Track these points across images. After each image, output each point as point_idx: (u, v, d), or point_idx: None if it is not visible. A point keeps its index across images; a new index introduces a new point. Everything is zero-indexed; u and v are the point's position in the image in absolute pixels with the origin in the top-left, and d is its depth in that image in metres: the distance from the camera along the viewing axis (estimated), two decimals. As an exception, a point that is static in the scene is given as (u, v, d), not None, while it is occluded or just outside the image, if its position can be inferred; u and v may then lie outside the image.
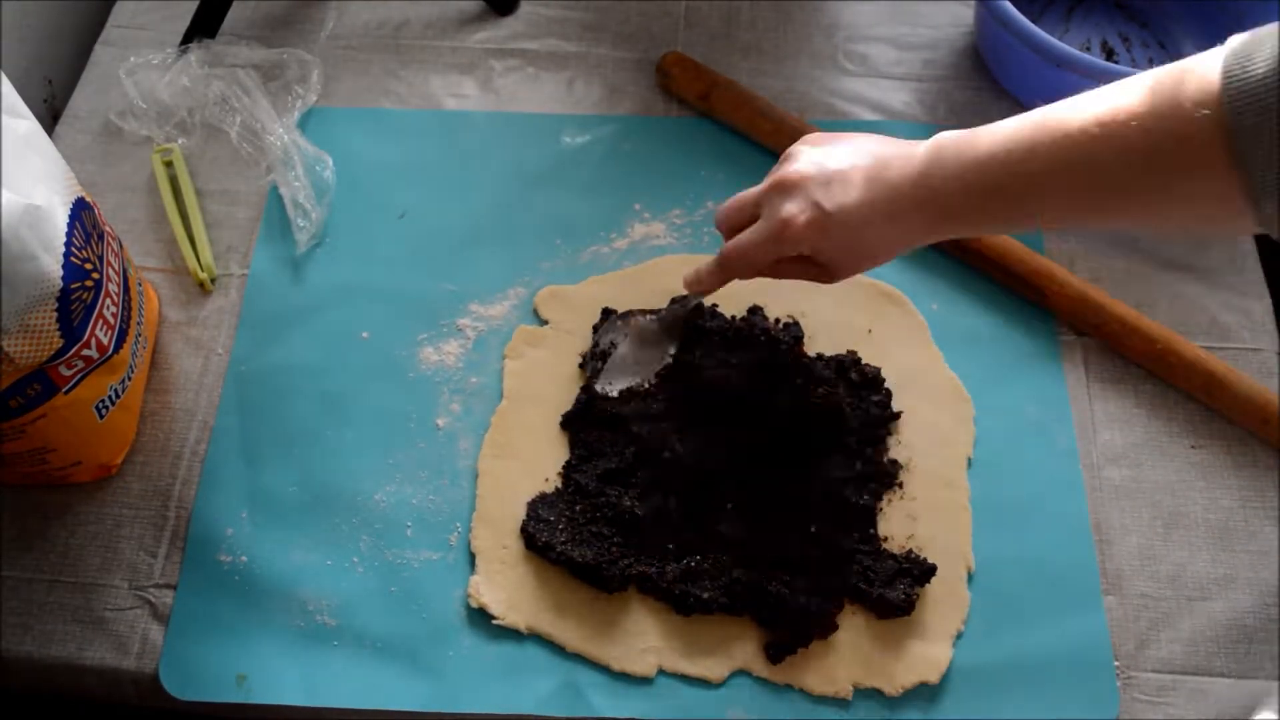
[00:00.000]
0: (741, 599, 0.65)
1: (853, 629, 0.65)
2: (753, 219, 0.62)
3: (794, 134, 0.82)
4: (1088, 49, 0.91)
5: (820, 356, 0.74)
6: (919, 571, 0.66)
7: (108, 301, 0.64)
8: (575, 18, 0.93)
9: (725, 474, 0.68)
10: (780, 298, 0.77)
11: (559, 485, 0.70)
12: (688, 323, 0.73)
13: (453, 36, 0.92)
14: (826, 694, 0.64)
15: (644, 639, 0.65)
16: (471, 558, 0.68)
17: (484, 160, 0.85)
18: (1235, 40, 0.46)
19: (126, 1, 0.94)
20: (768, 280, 0.77)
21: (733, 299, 0.77)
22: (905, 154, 0.58)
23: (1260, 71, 0.44)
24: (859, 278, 0.78)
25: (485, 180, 0.83)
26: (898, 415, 0.72)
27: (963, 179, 0.55)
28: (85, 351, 0.62)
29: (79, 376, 0.63)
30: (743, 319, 0.75)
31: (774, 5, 0.94)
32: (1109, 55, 0.91)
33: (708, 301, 0.76)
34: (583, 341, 0.75)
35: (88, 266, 0.61)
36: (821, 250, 0.60)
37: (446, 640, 0.65)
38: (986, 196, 0.55)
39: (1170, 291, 0.79)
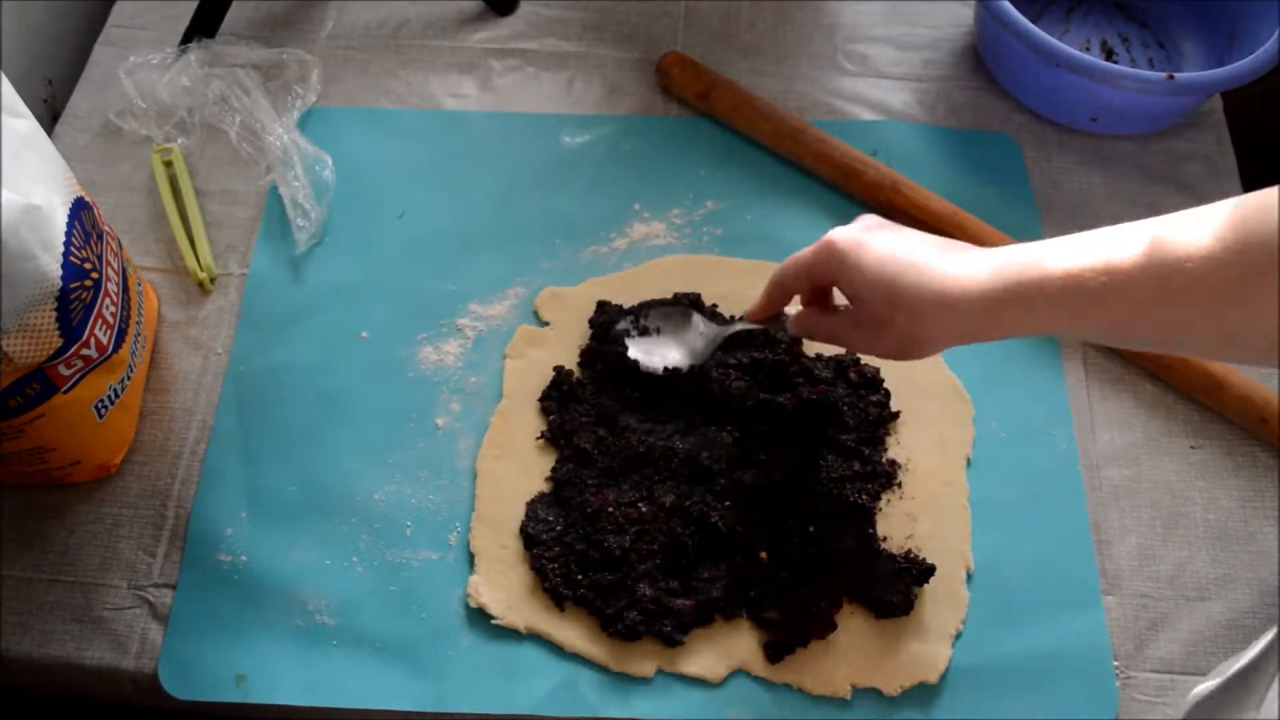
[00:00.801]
0: (740, 599, 0.65)
1: (852, 629, 0.65)
2: (799, 289, 0.62)
3: (794, 134, 0.83)
4: (1087, 49, 0.91)
5: (819, 357, 0.74)
6: (918, 571, 0.66)
7: (107, 301, 0.64)
8: (575, 18, 0.93)
9: (723, 474, 0.68)
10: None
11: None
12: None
13: (453, 36, 0.92)
14: (825, 694, 0.64)
15: (642, 638, 0.65)
16: (471, 558, 0.68)
17: (484, 160, 0.85)
18: None
19: (126, 1, 0.94)
20: (765, 281, 0.77)
21: (731, 301, 0.77)
22: (975, 263, 0.54)
23: None
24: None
25: (485, 180, 0.83)
26: (897, 415, 0.72)
27: (1004, 298, 0.52)
28: (84, 351, 0.62)
29: (78, 376, 0.63)
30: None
31: (774, 5, 0.94)
32: (1109, 55, 0.91)
33: (707, 301, 0.76)
34: (583, 342, 0.75)
35: (87, 266, 0.61)
36: (853, 281, 0.57)
37: (446, 640, 0.65)
38: (1044, 313, 0.51)
39: (1170, 291, 0.79)
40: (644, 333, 0.73)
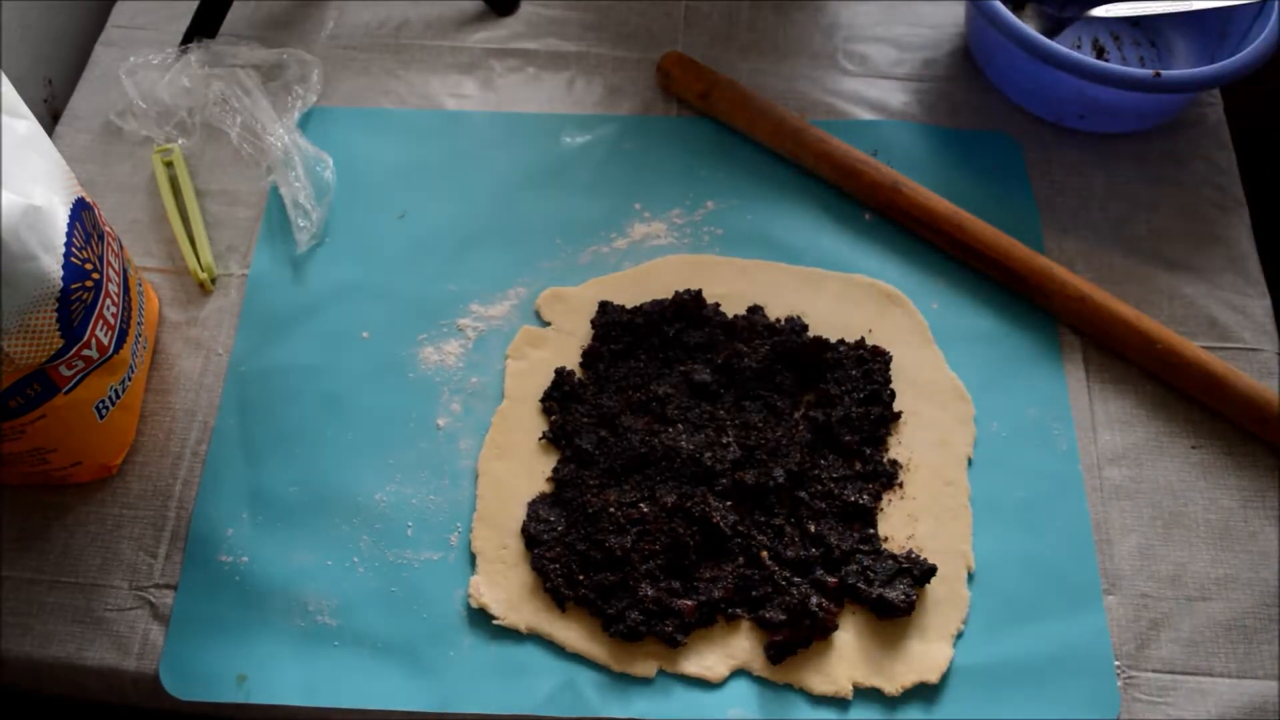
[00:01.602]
0: (742, 599, 0.65)
1: (853, 629, 0.65)
2: None
3: (794, 134, 0.83)
4: (1079, 47, 0.91)
5: (842, 341, 0.75)
6: (919, 571, 0.66)
7: (108, 302, 0.64)
8: (575, 18, 0.93)
9: (724, 474, 0.68)
10: (780, 298, 0.77)
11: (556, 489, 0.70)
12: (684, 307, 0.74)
13: (453, 36, 0.92)
14: (826, 694, 0.64)
15: (644, 639, 0.65)
16: (472, 558, 0.68)
17: (484, 160, 0.85)
18: None
19: (126, 1, 0.94)
20: (766, 281, 0.78)
21: (733, 300, 0.77)
22: None
23: None
24: (859, 277, 0.79)
25: (485, 180, 0.83)
26: (898, 415, 0.72)
27: None
28: (85, 352, 0.62)
29: (79, 377, 0.63)
30: (743, 316, 0.75)
31: (774, 5, 0.94)
32: (1100, 54, 0.91)
33: (708, 300, 0.76)
34: (584, 343, 0.75)
35: (88, 267, 0.61)
36: None
37: (447, 640, 0.65)
38: None
39: (1170, 291, 0.79)
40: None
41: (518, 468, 0.71)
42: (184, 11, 0.89)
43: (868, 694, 0.64)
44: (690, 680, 0.64)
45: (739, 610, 0.65)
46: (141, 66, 0.85)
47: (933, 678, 0.64)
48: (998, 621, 0.66)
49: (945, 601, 0.66)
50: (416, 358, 0.75)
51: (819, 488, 0.68)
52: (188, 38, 0.88)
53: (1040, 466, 0.72)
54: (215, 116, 0.84)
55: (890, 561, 0.66)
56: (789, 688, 0.64)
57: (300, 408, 0.73)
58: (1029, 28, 0.80)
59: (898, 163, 0.83)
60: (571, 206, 0.82)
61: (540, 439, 0.71)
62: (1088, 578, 0.68)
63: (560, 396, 0.72)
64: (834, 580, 0.65)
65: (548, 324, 0.76)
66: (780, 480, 0.68)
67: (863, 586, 0.65)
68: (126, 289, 0.68)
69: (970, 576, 0.68)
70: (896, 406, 0.73)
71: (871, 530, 0.68)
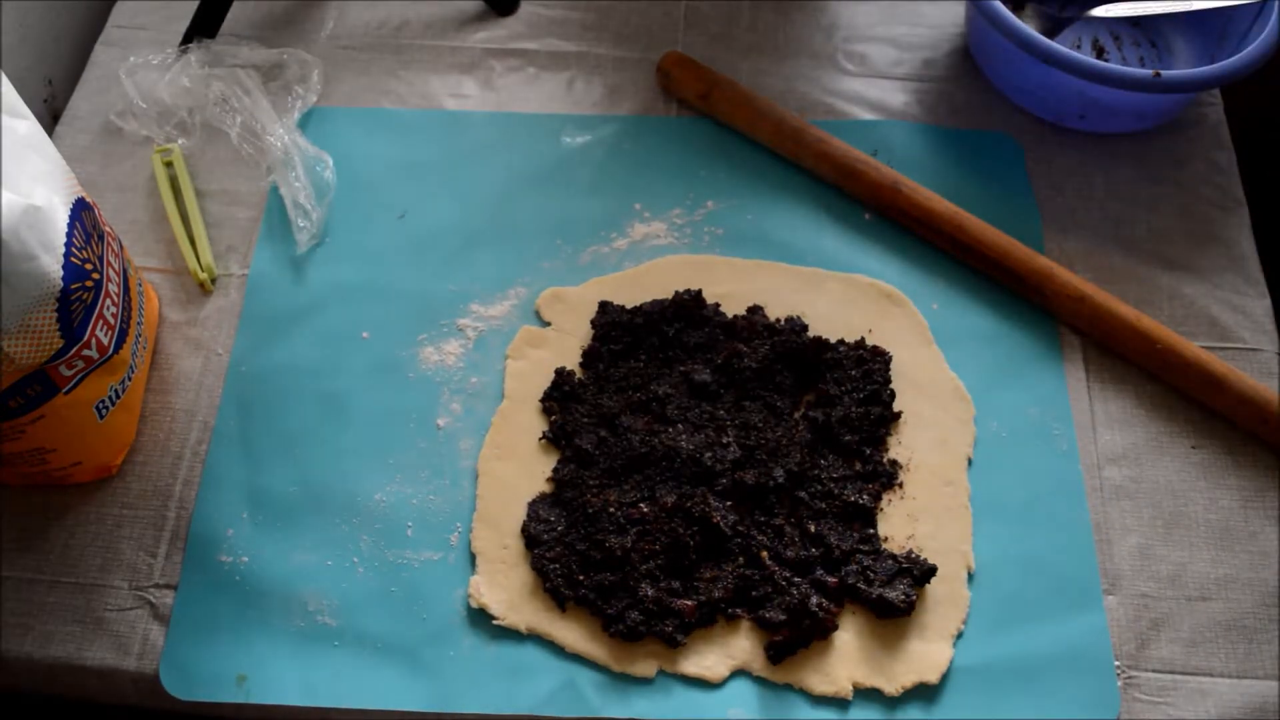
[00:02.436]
0: (742, 599, 0.65)
1: (853, 629, 0.65)
2: None
3: (794, 134, 0.83)
4: (1079, 47, 0.91)
5: (841, 342, 0.75)
6: (919, 571, 0.66)
7: (108, 302, 0.64)
8: (575, 18, 0.93)
9: (724, 474, 0.68)
10: (780, 298, 0.77)
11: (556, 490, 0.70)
12: (683, 306, 0.74)
13: (453, 36, 0.92)
14: (826, 694, 0.64)
15: (644, 639, 0.65)
16: (472, 558, 0.68)
17: (484, 160, 0.85)
18: None
19: (126, 1, 0.94)
20: (766, 281, 0.78)
21: (733, 300, 0.77)
22: None
23: None
24: (859, 278, 0.79)
25: (485, 180, 0.83)
26: (898, 415, 0.72)
27: None
28: (85, 352, 0.62)
29: (79, 377, 0.63)
30: (743, 317, 0.75)
31: (774, 5, 0.94)
32: (1100, 53, 0.91)
33: (708, 300, 0.76)
34: (584, 343, 0.75)
35: (88, 267, 0.61)
36: None
37: (447, 640, 0.65)
38: None
39: (1170, 291, 0.79)
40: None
41: (518, 468, 0.71)
42: (184, 11, 0.89)
43: (868, 694, 0.64)
44: (690, 680, 0.64)
45: (739, 610, 0.65)
46: (141, 66, 0.85)
47: (933, 678, 0.64)
48: (998, 621, 0.66)
49: (945, 601, 0.66)
50: (416, 358, 0.75)
51: (819, 488, 0.68)
52: (188, 38, 0.88)
53: (1040, 466, 0.72)
54: (215, 116, 0.84)
55: (890, 561, 0.66)
56: (789, 688, 0.64)
57: (300, 408, 0.73)
58: (1029, 28, 0.80)
59: (898, 163, 0.83)
60: (571, 206, 0.82)
61: (540, 439, 0.71)
62: (1088, 578, 0.68)
63: (560, 397, 0.72)
64: (834, 580, 0.65)
65: (548, 324, 0.76)
66: (780, 480, 0.68)
67: (863, 586, 0.65)
68: (126, 289, 0.68)
69: (970, 576, 0.68)
70: (896, 406, 0.73)
71: (871, 530, 0.68)
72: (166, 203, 0.81)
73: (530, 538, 0.67)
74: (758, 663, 0.64)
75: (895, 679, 0.64)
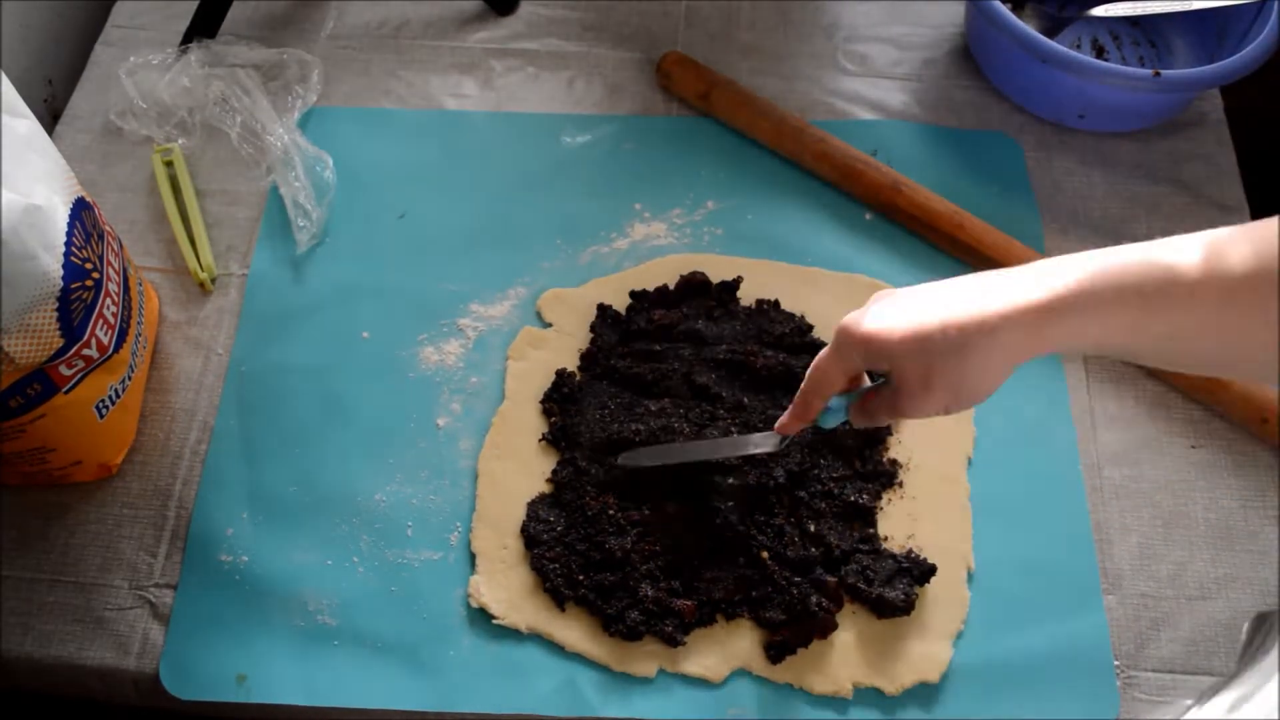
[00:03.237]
0: (742, 599, 0.65)
1: (853, 629, 0.65)
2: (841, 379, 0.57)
3: (794, 134, 0.83)
4: (1078, 47, 0.91)
5: None
6: (919, 571, 0.66)
7: (108, 301, 0.64)
8: (575, 18, 0.93)
9: (725, 471, 0.68)
10: (780, 298, 0.77)
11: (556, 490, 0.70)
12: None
13: (453, 36, 0.92)
14: (826, 693, 0.64)
15: (644, 638, 0.65)
16: (472, 558, 0.68)
17: (484, 160, 0.85)
18: None
19: (126, 1, 0.94)
20: (766, 281, 0.77)
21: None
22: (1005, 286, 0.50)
23: None
24: (859, 277, 0.79)
25: (485, 180, 0.83)
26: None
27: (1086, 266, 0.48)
28: (85, 351, 0.62)
29: (79, 376, 0.63)
30: (757, 306, 0.76)
31: (774, 5, 0.94)
32: (1099, 53, 0.91)
33: (710, 301, 0.76)
34: (584, 345, 0.75)
35: (88, 266, 0.61)
36: (883, 351, 0.52)
37: (447, 640, 0.65)
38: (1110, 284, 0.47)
39: (1170, 291, 0.79)
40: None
41: (518, 468, 0.70)
42: (184, 11, 0.89)
43: (868, 694, 0.64)
44: (690, 680, 0.64)
45: (740, 610, 0.65)
46: (141, 66, 0.85)
47: (933, 678, 0.64)
48: (998, 621, 0.66)
49: (945, 601, 0.66)
50: (417, 358, 0.75)
51: (819, 488, 0.68)
52: (188, 38, 0.88)
53: (1040, 466, 0.72)
54: (215, 116, 0.84)
55: (890, 561, 0.66)
56: (789, 688, 0.64)
57: (300, 408, 0.73)
58: (1029, 28, 0.80)
59: (898, 163, 0.83)
60: (571, 206, 0.82)
61: (540, 440, 0.71)
62: (1088, 578, 0.68)
63: (560, 398, 0.72)
64: (834, 580, 0.65)
65: (549, 325, 0.76)
66: (780, 480, 0.68)
67: (863, 586, 0.65)
68: (126, 289, 0.68)
69: (970, 576, 0.68)
70: (896, 406, 0.73)
71: (871, 530, 0.68)
72: (166, 202, 0.81)
73: (530, 538, 0.67)
74: (758, 662, 0.64)
75: (895, 679, 0.64)
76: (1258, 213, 0.83)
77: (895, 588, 0.65)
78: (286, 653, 0.65)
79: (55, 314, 0.59)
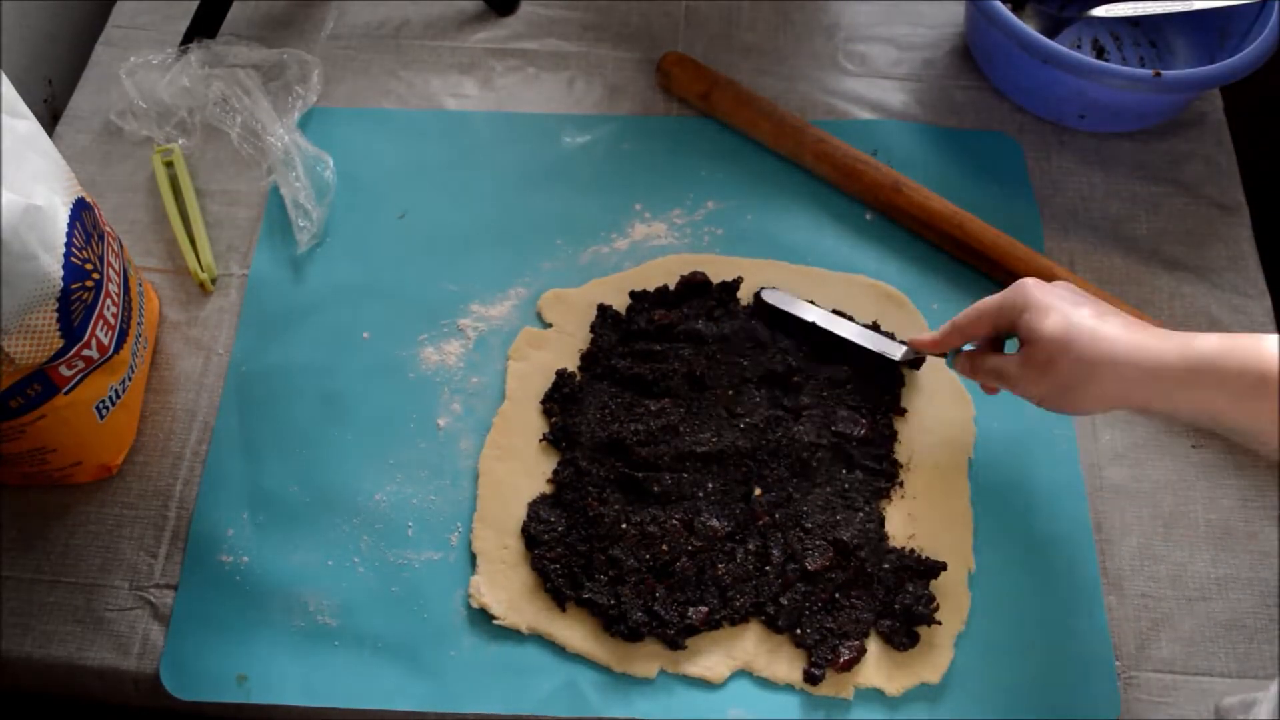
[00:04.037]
0: (751, 605, 0.65)
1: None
2: (986, 333, 0.64)
3: (794, 134, 0.83)
4: (1079, 47, 0.91)
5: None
6: (923, 569, 0.66)
7: (108, 302, 0.64)
8: (575, 18, 0.93)
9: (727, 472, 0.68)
10: (781, 298, 0.77)
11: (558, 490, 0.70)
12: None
13: (453, 36, 0.92)
14: (828, 694, 0.64)
15: (644, 639, 0.65)
16: (472, 558, 0.68)
17: (484, 160, 0.85)
18: None
19: (126, 1, 0.94)
20: (766, 280, 0.77)
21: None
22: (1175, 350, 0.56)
23: None
24: (859, 278, 0.79)
25: (485, 180, 0.83)
26: (903, 411, 0.72)
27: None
28: (85, 352, 0.62)
29: (79, 377, 0.63)
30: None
31: (774, 5, 0.94)
32: (1100, 53, 0.91)
33: (710, 302, 0.76)
34: (584, 345, 0.75)
35: (88, 267, 0.61)
36: (1034, 322, 0.59)
37: (447, 640, 0.65)
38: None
39: (1170, 291, 0.79)
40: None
41: (518, 468, 0.70)
42: (184, 11, 0.89)
43: (869, 694, 0.64)
44: (691, 680, 0.64)
45: (745, 617, 0.65)
46: (141, 66, 0.85)
47: (933, 678, 0.64)
48: (998, 622, 0.66)
49: (945, 602, 0.66)
50: (417, 358, 0.75)
51: (827, 488, 0.68)
52: (188, 38, 0.88)
53: (1040, 466, 0.72)
54: (215, 116, 0.84)
55: (892, 555, 0.66)
56: (790, 689, 0.64)
57: (301, 408, 0.73)
58: (1029, 28, 0.80)
59: (898, 163, 0.83)
60: (571, 206, 0.82)
61: (541, 440, 0.71)
62: (1088, 578, 0.68)
63: (561, 398, 0.72)
64: (867, 604, 0.65)
65: (549, 325, 0.76)
66: (783, 480, 0.68)
67: (896, 608, 0.65)
68: (126, 289, 0.68)
69: (970, 576, 0.68)
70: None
71: (872, 525, 0.68)
72: (166, 203, 0.81)
73: (531, 538, 0.67)
74: (759, 663, 0.64)
75: (896, 679, 0.64)
76: (1258, 213, 0.84)
77: (906, 592, 0.65)
78: (287, 653, 0.65)
79: (55, 315, 0.59)
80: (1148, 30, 0.92)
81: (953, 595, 0.66)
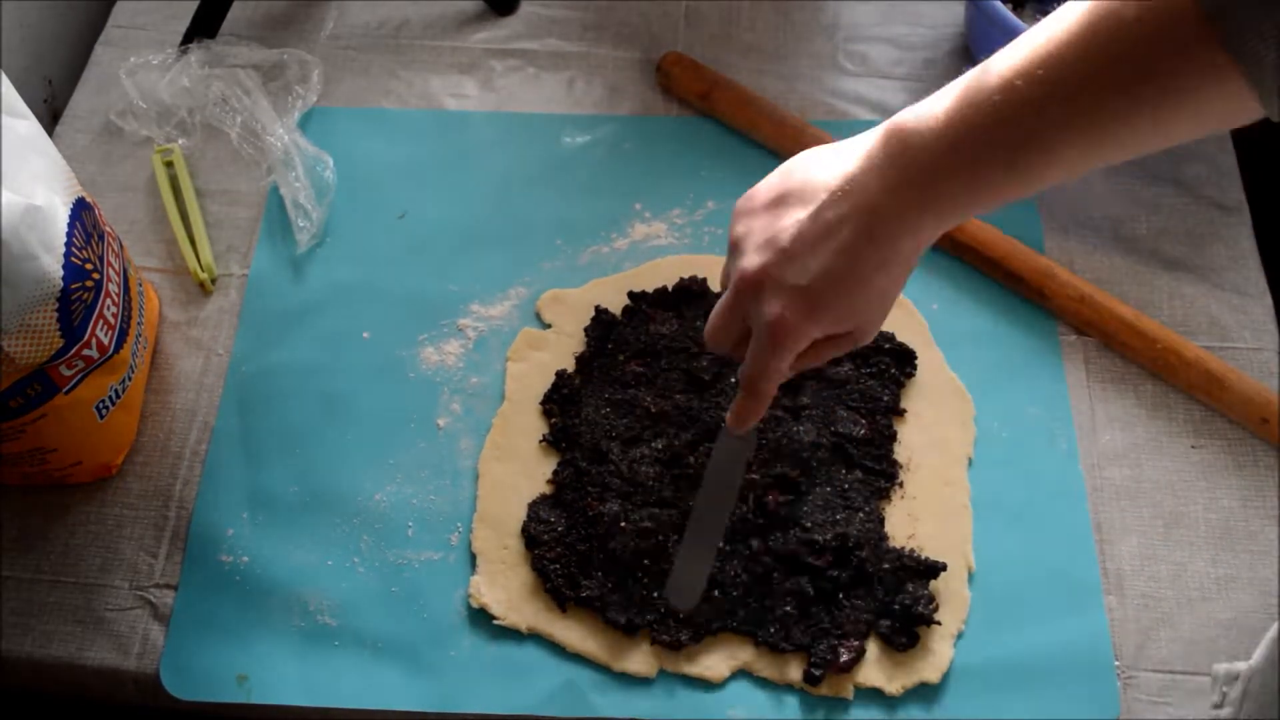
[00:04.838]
0: (755, 608, 0.65)
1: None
2: (743, 330, 0.55)
3: (795, 134, 0.83)
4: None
5: None
6: (922, 569, 0.66)
7: (108, 301, 0.64)
8: (575, 18, 0.93)
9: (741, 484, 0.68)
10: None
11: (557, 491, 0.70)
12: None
13: (453, 36, 0.92)
14: (827, 694, 0.64)
15: (644, 639, 0.65)
16: (472, 558, 0.68)
17: (484, 160, 0.85)
18: None
19: (126, 1, 0.94)
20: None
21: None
22: (855, 163, 0.51)
23: None
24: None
25: (485, 180, 0.83)
26: (902, 412, 0.72)
27: (947, 137, 0.50)
28: (85, 351, 0.62)
29: (79, 376, 0.63)
30: None
31: (774, 5, 0.94)
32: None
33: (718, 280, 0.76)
34: (583, 345, 0.75)
35: (88, 267, 0.61)
36: (832, 323, 0.52)
37: (447, 640, 0.65)
38: (979, 145, 0.49)
39: (1170, 291, 0.79)
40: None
41: (518, 469, 0.71)
42: (184, 11, 0.89)
43: (868, 694, 0.64)
44: (691, 680, 0.64)
45: (747, 624, 0.65)
46: (141, 66, 0.85)
47: (933, 677, 0.64)
48: (998, 621, 0.66)
49: (946, 601, 0.66)
50: (417, 358, 0.75)
51: (827, 488, 0.68)
52: (188, 38, 0.88)
53: (1040, 466, 0.72)
54: (215, 116, 0.84)
55: (892, 554, 0.66)
56: (789, 688, 0.64)
57: (300, 408, 0.73)
58: (1029, 27, 0.80)
59: (898, 163, 0.83)
60: (571, 206, 0.82)
61: (540, 441, 0.71)
62: (1088, 578, 0.68)
63: (560, 399, 0.72)
64: (864, 604, 0.65)
65: (548, 326, 0.76)
66: (785, 480, 0.68)
67: (895, 609, 0.65)
68: (126, 289, 0.68)
69: (970, 576, 0.68)
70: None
71: (871, 524, 0.68)
72: (166, 203, 0.81)
73: (530, 538, 0.67)
74: (759, 663, 0.64)
75: (895, 679, 0.64)
76: (1258, 213, 0.84)
77: (907, 592, 0.65)
78: (287, 653, 0.65)
79: (55, 314, 0.59)
80: (1148, 30, 0.92)
81: (953, 595, 0.66)
